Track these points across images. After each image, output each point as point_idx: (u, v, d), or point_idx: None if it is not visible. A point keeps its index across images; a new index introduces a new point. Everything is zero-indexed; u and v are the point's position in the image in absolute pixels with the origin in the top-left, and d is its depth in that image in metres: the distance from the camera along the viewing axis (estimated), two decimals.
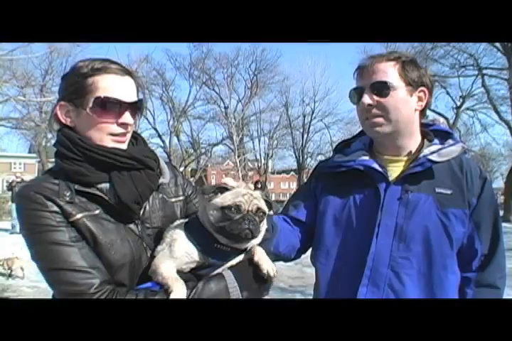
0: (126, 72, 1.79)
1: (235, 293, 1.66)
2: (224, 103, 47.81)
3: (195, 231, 1.72)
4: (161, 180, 1.90)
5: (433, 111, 40.33)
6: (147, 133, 50.77)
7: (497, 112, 35.95)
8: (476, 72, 36.46)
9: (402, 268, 1.95)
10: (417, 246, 1.95)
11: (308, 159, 56.44)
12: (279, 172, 62.95)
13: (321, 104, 53.77)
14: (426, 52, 37.29)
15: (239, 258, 1.74)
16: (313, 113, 53.79)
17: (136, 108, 1.81)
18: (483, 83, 35.95)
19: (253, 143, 53.96)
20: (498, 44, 34.35)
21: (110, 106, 1.73)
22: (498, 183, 66.05)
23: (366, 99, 2.02)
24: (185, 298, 1.59)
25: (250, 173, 48.52)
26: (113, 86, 1.74)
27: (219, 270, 1.71)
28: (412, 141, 2.11)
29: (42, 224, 1.64)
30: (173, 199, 1.96)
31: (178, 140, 48.41)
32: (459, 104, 40.43)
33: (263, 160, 52.07)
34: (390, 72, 2.01)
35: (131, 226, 1.79)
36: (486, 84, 35.81)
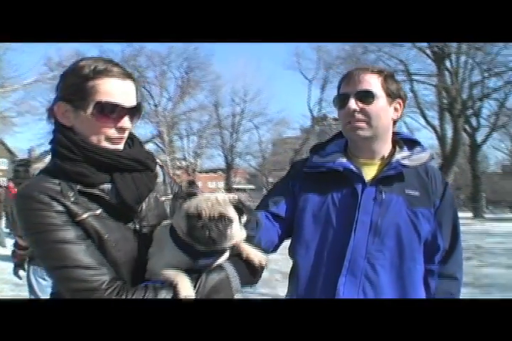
0: (128, 75, 1.79)
1: (236, 282, 1.73)
2: (154, 101, 47.30)
3: (179, 235, 1.75)
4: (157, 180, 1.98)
5: None
6: None
7: (424, 117, 37.59)
8: (405, 78, 37.81)
9: (376, 259, 2.14)
10: (390, 240, 2.15)
11: (237, 159, 56.90)
12: (206, 172, 62.97)
13: (251, 105, 54.48)
14: (357, 56, 38.39)
15: (225, 257, 1.79)
16: (242, 113, 54.32)
17: (135, 112, 1.83)
18: (411, 88, 37.41)
19: (182, 141, 53.70)
20: (428, 51, 35.93)
21: (110, 111, 1.73)
22: None
23: (352, 104, 2.18)
24: (191, 288, 1.63)
25: (178, 172, 48.12)
26: (114, 90, 1.74)
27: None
28: (386, 146, 2.31)
29: (48, 223, 1.64)
30: (163, 198, 2.02)
31: None
32: None
33: (192, 159, 51.76)
34: (373, 83, 2.21)
35: (130, 224, 1.83)
36: (414, 89, 37.40)
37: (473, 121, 39.35)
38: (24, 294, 6.10)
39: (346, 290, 2.10)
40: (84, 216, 1.69)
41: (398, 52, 37.77)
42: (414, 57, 38.13)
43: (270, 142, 59.34)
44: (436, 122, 37.41)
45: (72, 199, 1.69)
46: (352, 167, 2.23)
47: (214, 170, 61.87)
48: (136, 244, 1.80)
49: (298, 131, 61.12)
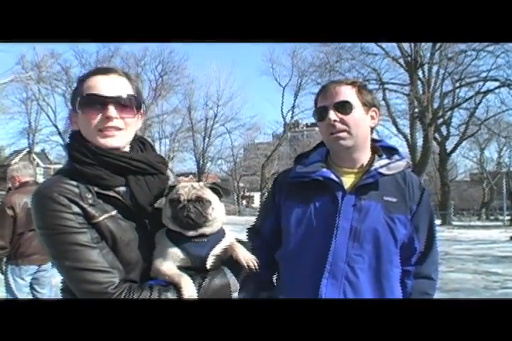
0: (113, 71, 1.86)
1: (234, 284, 1.81)
2: None
3: (172, 231, 1.85)
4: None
5: None
6: (47, 131, 48.91)
7: (395, 125, 37.90)
8: (378, 86, 38.16)
9: (356, 263, 2.24)
10: (368, 244, 2.25)
11: (209, 163, 56.79)
12: (178, 175, 62.21)
13: (224, 109, 54.53)
14: (331, 64, 38.67)
15: (218, 248, 1.87)
16: (215, 117, 54.30)
17: (123, 103, 1.82)
18: (383, 97, 37.70)
19: (154, 145, 53.10)
20: (401, 60, 36.35)
21: (93, 102, 1.78)
22: None
23: (332, 115, 2.27)
24: (193, 289, 1.71)
25: None
26: (96, 83, 1.80)
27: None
28: (365, 154, 2.40)
29: (66, 225, 1.68)
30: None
31: None
32: None
33: None
34: (349, 94, 2.30)
35: (143, 225, 1.86)
36: (386, 98, 37.63)
37: (444, 130, 40.07)
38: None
39: (328, 291, 2.19)
40: (101, 218, 1.73)
41: (372, 61, 38.22)
42: (387, 66, 38.56)
43: (242, 147, 59.44)
44: (407, 130, 37.73)
45: (90, 201, 1.73)
46: (332, 176, 2.30)
47: (185, 174, 61.59)
48: (150, 244, 1.84)
49: (270, 137, 61.43)
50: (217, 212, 1.87)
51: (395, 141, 39.06)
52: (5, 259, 5.57)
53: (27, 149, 50.63)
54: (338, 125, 2.26)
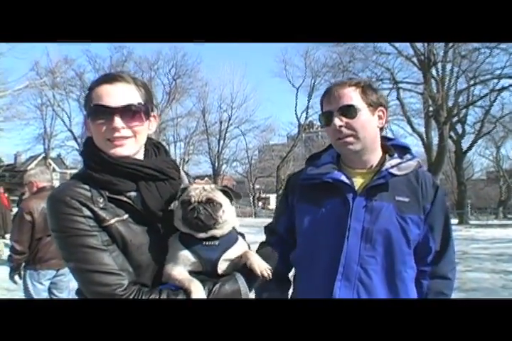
0: (120, 79, 1.87)
1: (245, 291, 1.83)
2: None
3: (184, 235, 1.88)
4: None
5: None
6: (63, 136, 49.28)
7: (410, 124, 37.68)
8: (392, 86, 37.99)
9: (369, 264, 2.23)
10: (381, 246, 2.24)
11: (224, 165, 56.78)
12: (194, 178, 62.28)
13: (238, 111, 54.49)
14: (344, 64, 38.56)
15: (230, 252, 1.89)
16: (230, 119, 54.31)
17: (130, 113, 1.84)
18: (398, 96, 37.52)
19: (169, 148, 53.46)
20: (414, 59, 36.15)
21: (100, 113, 1.81)
22: None
23: (337, 121, 2.26)
24: (203, 294, 1.74)
25: None
26: (102, 93, 1.83)
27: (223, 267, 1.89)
28: (376, 155, 2.39)
29: (77, 228, 1.74)
30: None
31: None
32: None
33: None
34: (353, 96, 2.27)
35: (154, 229, 1.90)
36: (400, 97, 37.43)
37: (459, 129, 39.62)
38: (19, 298, 6.13)
39: (342, 293, 2.20)
40: (112, 221, 1.78)
41: (385, 60, 38.02)
42: (400, 65, 38.28)
43: (257, 149, 59.42)
44: (422, 129, 37.43)
45: (101, 205, 1.78)
46: (343, 178, 2.30)
47: (201, 177, 61.71)
48: (161, 248, 1.87)
49: (284, 138, 61.25)
50: (228, 214, 1.89)
51: (410, 140, 38.96)
52: (23, 264, 5.64)
53: (43, 154, 51.07)
54: (344, 130, 2.26)
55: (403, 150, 2.43)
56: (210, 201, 1.85)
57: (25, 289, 5.61)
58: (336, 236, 2.25)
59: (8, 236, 9.45)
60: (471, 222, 37.58)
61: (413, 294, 2.29)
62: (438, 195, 2.35)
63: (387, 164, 2.32)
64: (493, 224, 35.10)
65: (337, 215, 2.28)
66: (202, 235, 1.84)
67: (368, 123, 2.28)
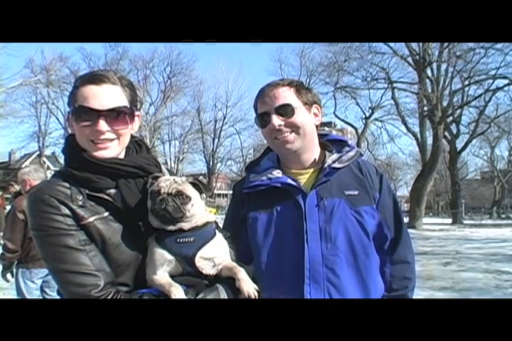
0: (106, 80, 1.83)
1: None
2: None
3: (160, 234, 1.85)
4: None
5: (343, 120, 41.83)
6: (57, 134, 49.15)
7: (405, 124, 37.82)
8: (386, 85, 38.11)
9: (334, 263, 2.21)
10: (342, 243, 2.23)
11: (218, 164, 56.85)
12: (187, 177, 62.42)
13: (233, 110, 54.67)
14: (340, 63, 38.65)
15: (206, 249, 1.84)
16: (224, 118, 54.40)
17: (114, 116, 1.83)
18: (392, 96, 37.74)
19: (164, 146, 53.54)
20: (409, 59, 36.23)
21: (84, 115, 1.79)
22: (403, 191, 69.68)
23: (276, 120, 2.24)
24: (184, 298, 1.72)
25: None
26: (88, 95, 1.80)
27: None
28: (314, 153, 2.38)
29: (54, 227, 1.72)
30: None
31: None
32: (368, 114, 42.09)
33: (173, 164, 51.50)
34: (288, 96, 2.27)
35: (135, 227, 1.87)
36: (395, 96, 37.69)
37: (453, 129, 39.83)
38: (8, 298, 6.12)
39: (313, 296, 2.17)
40: (91, 220, 1.76)
41: (380, 60, 38.08)
42: (395, 65, 38.40)
43: (251, 147, 59.38)
44: (416, 129, 37.65)
45: (81, 203, 1.76)
46: (289, 181, 2.28)
47: (195, 176, 61.62)
48: (141, 247, 1.85)
49: None
50: (197, 208, 1.87)
51: (405, 140, 39.00)
52: (16, 262, 5.63)
53: (37, 152, 50.99)
54: (284, 129, 2.25)
55: (340, 143, 2.44)
56: (179, 193, 1.82)
57: (18, 287, 5.59)
58: (296, 241, 2.22)
59: (0, 234, 9.36)
60: (465, 222, 37.82)
61: (381, 284, 2.30)
62: (383, 183, 2.38)
63: (329, 160, 2.32)
64: (487, 224, 35.36)
65: (291, 219, 2.25)
66: (171, 227, 1.82)
67: (306, 121, 2.28)
